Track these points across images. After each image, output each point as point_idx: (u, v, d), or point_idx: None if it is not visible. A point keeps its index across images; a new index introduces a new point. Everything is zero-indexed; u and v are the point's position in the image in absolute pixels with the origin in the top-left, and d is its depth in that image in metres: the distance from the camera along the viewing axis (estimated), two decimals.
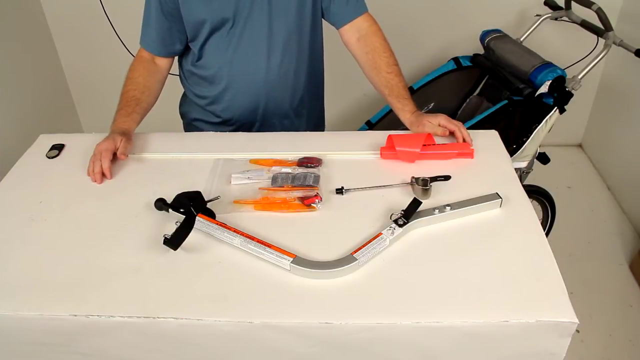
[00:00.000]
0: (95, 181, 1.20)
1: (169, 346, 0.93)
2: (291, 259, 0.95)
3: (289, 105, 1.48)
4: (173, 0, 1.30)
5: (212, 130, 1.48)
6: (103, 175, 1.21)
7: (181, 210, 1.06)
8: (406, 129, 1.37)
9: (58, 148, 1.34)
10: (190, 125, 1.57)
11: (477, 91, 2.07)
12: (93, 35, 2.57)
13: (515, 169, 1.34)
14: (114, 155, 1.24)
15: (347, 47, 1.45)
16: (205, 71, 1.43)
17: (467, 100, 2.09)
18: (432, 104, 2.03)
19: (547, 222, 2.09)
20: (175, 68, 1.51)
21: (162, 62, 1.43)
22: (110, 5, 2.28)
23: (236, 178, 1.20)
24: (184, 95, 1.57)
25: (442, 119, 1.31)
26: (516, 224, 1.06)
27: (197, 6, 1.30)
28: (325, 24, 1.46)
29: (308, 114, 1.57)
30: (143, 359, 0.96)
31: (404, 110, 1.36)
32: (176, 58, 1.48)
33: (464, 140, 1.27)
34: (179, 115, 1.62)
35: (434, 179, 1.16)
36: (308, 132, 1.43)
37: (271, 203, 1.12)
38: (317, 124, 1.65)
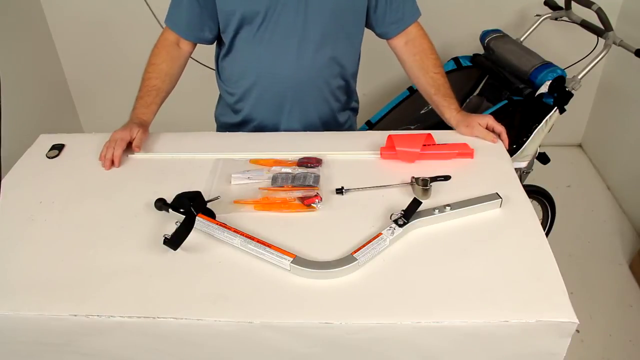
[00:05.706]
0: (104, 167, 1.24)
1: (169, 346, 0.93)
2: (291, 259, 0.95)
3: (316, 115, 1.45)
4: None
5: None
6: (112, 163, 1.24)
7: (181, 210, 1.06)
8: (404, 130, 1.37)
9: (58, 148, 1.34)
10: (221, 129, 1.56)
11: (477, 91, 2.07)
12: (93, 36, 2.57)
13: (515, 169, 1.34)
14: (129, 145, 1.27)
15: (392, 49, 1.46)
16: (234, 66, 1.41)
17: (467, 100, 2.09)
18: None
19: (547, 222, 2.09)
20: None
21: (186, 46, 1.41)
22: None
23: (236, 178, 1.20)
24: (219, 97, 1.55)
25: (490, 120, 1.32)
26: (516, 224, 1.06)
27: None
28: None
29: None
30: (143, 359, 0.96)
31: (450, 108, 1.38)
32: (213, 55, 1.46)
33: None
34: (213, 119, 1.61)
35: (434, 179, 1.16)
36: (308, 132, 1.43)
37: (271, 203, 1.12)
38: None
